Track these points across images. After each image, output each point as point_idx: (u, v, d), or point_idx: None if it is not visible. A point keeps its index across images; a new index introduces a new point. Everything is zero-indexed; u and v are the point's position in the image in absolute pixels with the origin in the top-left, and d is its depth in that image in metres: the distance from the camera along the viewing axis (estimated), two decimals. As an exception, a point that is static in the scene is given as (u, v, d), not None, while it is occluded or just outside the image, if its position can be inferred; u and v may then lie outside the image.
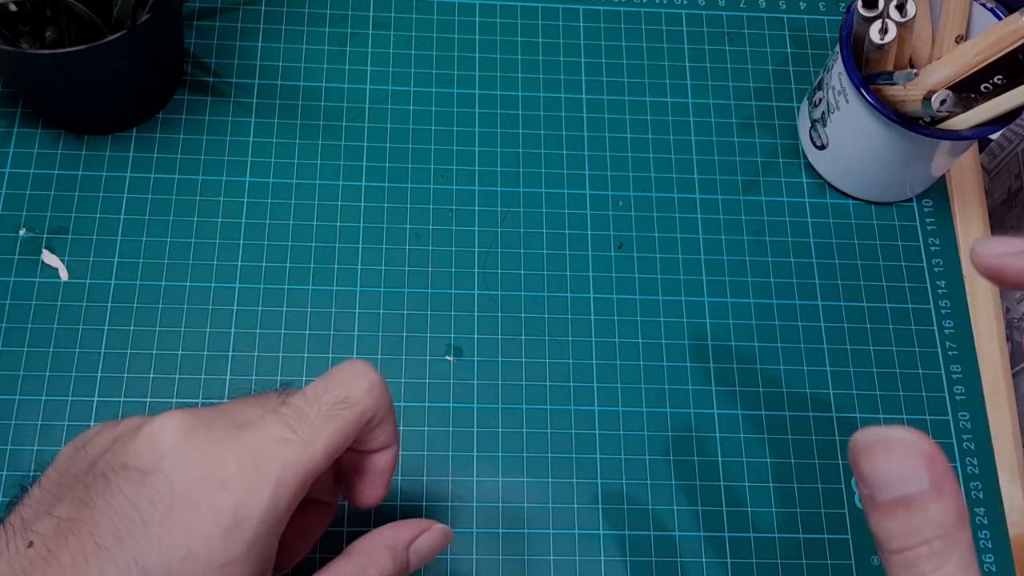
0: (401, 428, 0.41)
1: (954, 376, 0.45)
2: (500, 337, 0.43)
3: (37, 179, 0.44)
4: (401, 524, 0.30)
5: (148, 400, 0.41)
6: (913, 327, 0.45)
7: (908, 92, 0.41)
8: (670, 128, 0.49)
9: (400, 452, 0.32)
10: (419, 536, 0.30)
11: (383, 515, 0.40)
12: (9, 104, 0.46)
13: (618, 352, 0.44)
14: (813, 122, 0.47)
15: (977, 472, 0.43)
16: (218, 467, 0.26)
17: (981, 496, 0.42)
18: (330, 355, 0.42)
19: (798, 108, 0.50)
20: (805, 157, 0.49)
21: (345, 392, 0.28)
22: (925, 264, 0.47)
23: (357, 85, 0.48)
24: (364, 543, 0.29)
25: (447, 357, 0.43)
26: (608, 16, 0.51)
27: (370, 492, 0.31)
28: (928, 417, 0.44)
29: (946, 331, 0.45)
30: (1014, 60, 0.40)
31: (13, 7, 0.40)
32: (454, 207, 0.46)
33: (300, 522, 0.31)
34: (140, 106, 0.46)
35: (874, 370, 0.44)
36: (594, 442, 0.42)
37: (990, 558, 0.41)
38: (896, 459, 0.22)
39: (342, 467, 0.32)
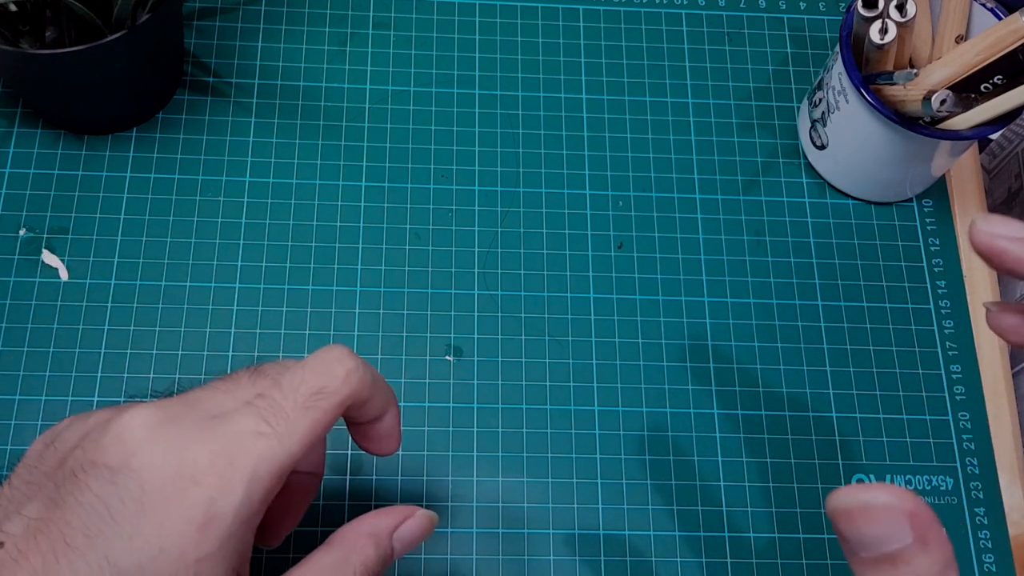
0: (401, 428, 0.41)
1: (954, 376, 0.45)
2: (500, 337, 0.43)
3: (37, 179, 0.44)
4: (384, 511, 0.30)
5: (148, 400, 0.41)
6: (913, 327, 0.45)
7: (908, 92, 0.41)
8: (670, 128, 0.49)
9: (401, 430, 0.32)
10: (402, 523, 0.30)
11: (383, 515, 0.40)
12: (9, 104, 0.46)
13: (618, 352, 0.44)
14: (813, 122, 0.47)
15: (977, 472, 0.43)
16: (190, 462, 0.25)
17: (981, 496, 0.42)
18: (330, 355, 0.42)
19: (798, 108, 0.50)
20: (805, 157, 0.49)
21: (321, 382, 0.27)
22: (925, 264, 0.47)
23: (357, 85, 0.48)
24: (345, 532, 0.29)
25: (447, 357, 0.43)
26: (608, 16, 0.51)
27: (383, 449, 0.31)
28: (928, 417, 0.44)
29: (946, 331, 0.45)
30: (1014, 60, 0.40)
31: (13, 7, 0.40)
32: (454, 207, 0.46)
33: (286, 496, 0.30)
34: (140, 106, 0.46)
35: (874, 370, 0.44)
36: (594, 442, 0.42)
37: (990, 558, 0.41)
38: (878, 523, 0.22)
39: (350, 434, 0.32)
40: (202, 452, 0.26)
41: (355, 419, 0.30)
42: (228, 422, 0.26)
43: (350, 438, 0.41)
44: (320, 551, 0.28)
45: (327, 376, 0.28)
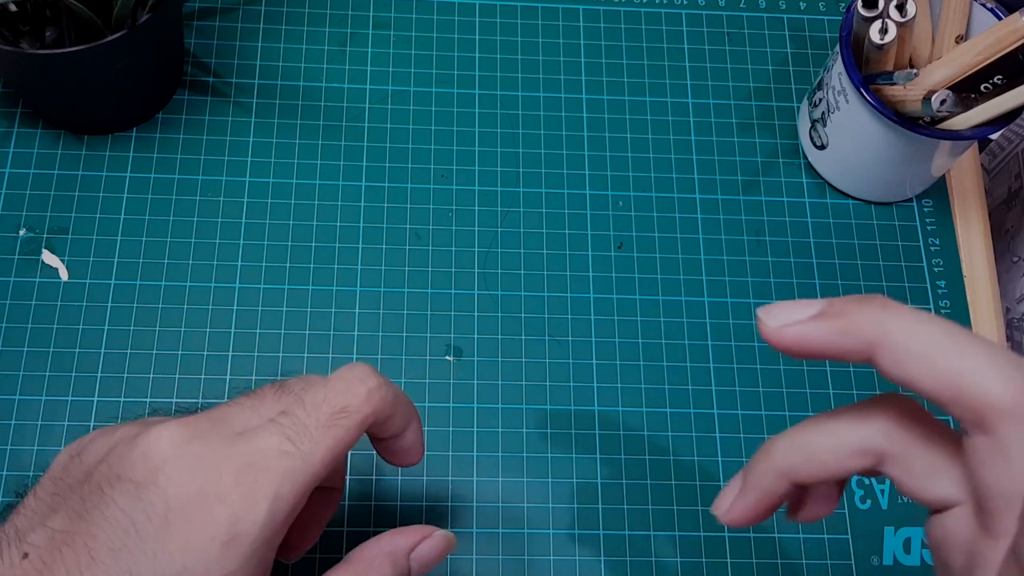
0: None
1: (954, 376, 0.44)
2: (500, 337, 0.43)
3: (37, 179, 0.44)
4: (402, 531, 0.30)
5: (148, 400, 0.41)
6: (913, 327, 0.45)
7: (908, 92, 0.41)
8: (670, 128, 0.49)
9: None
10: (420, 543, 0.30)
11: (384, 516, 0.40)
12: (9, 104, 0.46)
13: (618, 352, 0.44)
14: (813, 122, 0.47)
15: (977, 472, 0.43)
16: (215, 480, 0.25)
17: (981, 496, 0.42)
18: (330, 355, 0.42)
19: (798, 108, 0.50)
20: (805, 157, 0.49)
21: (344, 401, 0.28)
22: (925, 264, 0.47)
23: (357, 85, 0.48)
24: (363, 551, 0.29)
25: (447, 357, 0.43)
26: (608, 16, 0.51)
27: (405, 461, 0.32)
28: (928, 417, 0.44)
29: (946, 331, 0.45)
30: (1014, 60, 0.40)
31: (13, 7, 0.40)
32: (454, 207, 0.46)
33: (306, 512, 0.30)
34: (140, 106, 0.46)
35: (874, 370, 0.44)
36: (594, 442, 0.42)
37: (990, 558, 0.41)
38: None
39: (374, 447, 0.32)
40: (227, 470, 0.26)
41: (377, 435, 0.30)
42: (253, 439, 0.26)
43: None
44: (337, 569, 0.29)
45: (350, 395, 0.28)
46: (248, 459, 0.26)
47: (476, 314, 0.44)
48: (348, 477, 0.40)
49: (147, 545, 0.25)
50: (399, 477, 0.41)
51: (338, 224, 0.45)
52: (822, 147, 0.47)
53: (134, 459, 0.26)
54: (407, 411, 0.30)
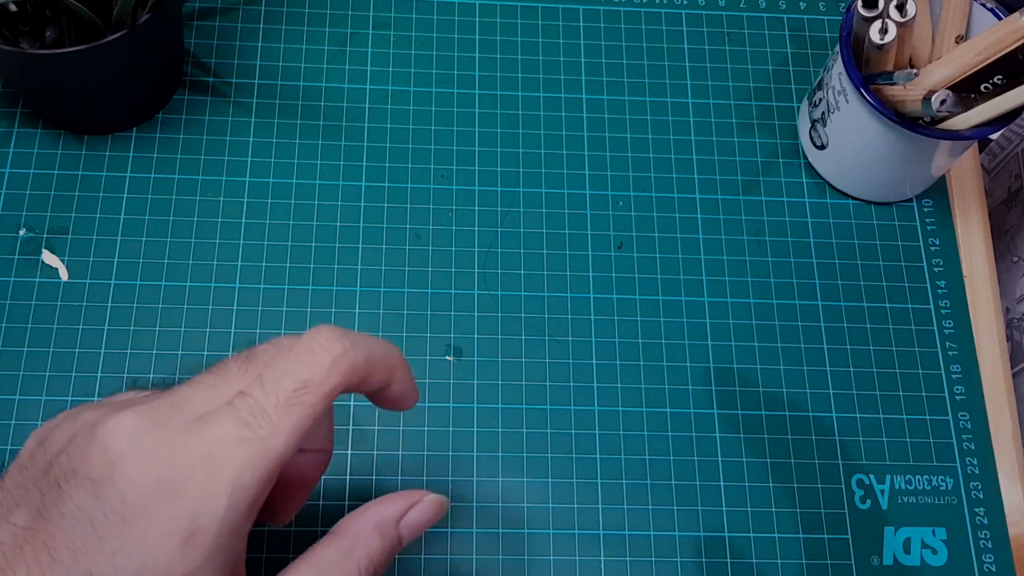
0: (401, 428, 0.41)
1: (954, 376, 0.45)
2: (500, 337, 0.43)
3: (37, 179, 0.44)
4: (389, 499, 0.29)
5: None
6: (913, 327, 0.45)
7: (908, 92, 0.41)
8: (670, 128, 0.49)
9: (405, 394, 0.30)
10: (409, 510, 0.29)
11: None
12: (9, 104, 0.46)
13: (618, 352, 0.44)
14: (813, 122, 0.47)
15: (977, 472, 0.43)
16: (172, 473, 0.24)
17: (981, 496, 0.42)
18: (330, 355, 0.42)
19: (798, 108, 0.50)
20: (805, 157, 0.49)
21: (306, 375, 0.26)
22: (925, 264, 0.47)
23: (357, 85, 0.48)
24: (350, 522, 0.28)
25: (447, 357, 0.43)
26: (608, 16, 0.51)
27: (398, 408, 0.30)
28: (928, 417, 0.44)
29: (946, 331, 0.45)
30: (1014, 60, 0.40)
31: (13, 7, 0.40)
32: (454, 207, 0.46)
33: (293, 476, 0.30)
34: (140, 106, 0.46)
35: (874, 370, 0.44)
36: (594, 442, 0.42)
37: (990, 558, 0.41)
38: None
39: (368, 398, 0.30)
40: (183, 462, 0.25)
41: (362, 389, 0.29)
42: (210, 426, 0.25)
43: (350, 437, 0.41)
44: (322, 543, 0.28)
45: (312, 367, 0.26)
46: (205, 449, 0.25)
47: (476, 314, 0.44)
48: (348, 477, 0.40)
49: (106, 544, 0.24)
50: (399, 477, 0.41)
51: (338, 224, 0.45)
52: (822, 147, 0.47)
53: (91, 452, 0.25)
54: (386, 363, 0.28)
